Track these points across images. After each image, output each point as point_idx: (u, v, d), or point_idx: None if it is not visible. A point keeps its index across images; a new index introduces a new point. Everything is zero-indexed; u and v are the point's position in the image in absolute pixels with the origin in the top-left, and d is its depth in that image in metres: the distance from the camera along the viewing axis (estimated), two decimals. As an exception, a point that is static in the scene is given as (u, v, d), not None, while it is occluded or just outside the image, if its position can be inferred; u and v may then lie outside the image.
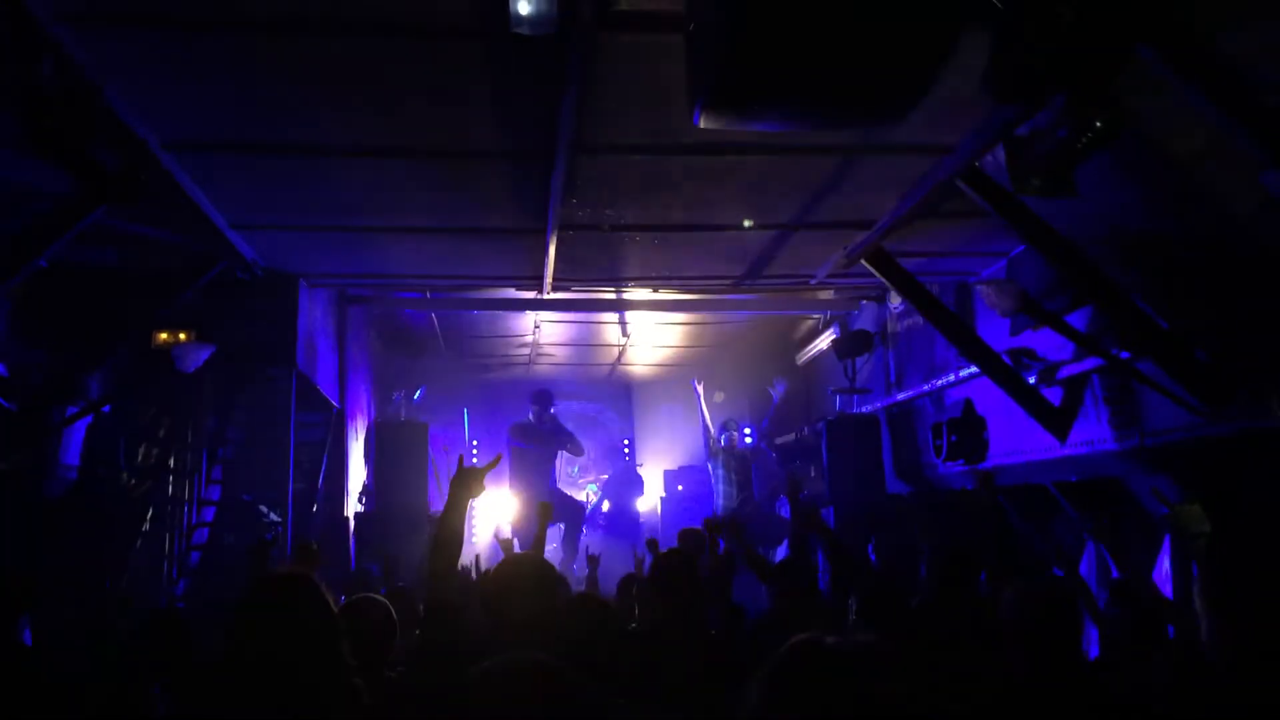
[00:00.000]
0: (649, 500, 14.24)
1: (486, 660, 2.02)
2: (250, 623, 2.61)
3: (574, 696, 1.95)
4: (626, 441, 15.24)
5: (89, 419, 7.03)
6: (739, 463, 11.39)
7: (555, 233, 6.55)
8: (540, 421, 11.42)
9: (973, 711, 3.14)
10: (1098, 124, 3.56)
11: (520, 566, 3.67)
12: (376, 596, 3.97)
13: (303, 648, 2.56)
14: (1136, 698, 3.57)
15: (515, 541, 7.77)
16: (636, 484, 14.65)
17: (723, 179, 5.84)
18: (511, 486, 11.06)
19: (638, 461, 14.86)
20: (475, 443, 13.77)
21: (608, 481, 14.63)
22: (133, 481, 7.04)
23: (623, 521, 13.29)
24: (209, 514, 7.66)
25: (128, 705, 3.72)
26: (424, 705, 3.03)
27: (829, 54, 2.92)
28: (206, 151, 5.35)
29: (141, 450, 7.20)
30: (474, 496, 3.66)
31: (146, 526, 6.93)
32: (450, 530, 3.56)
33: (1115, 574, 6.57)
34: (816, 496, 9.86)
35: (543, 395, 11.57)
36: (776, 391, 11.69)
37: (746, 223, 6.65)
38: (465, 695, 1.93)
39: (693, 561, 4.51)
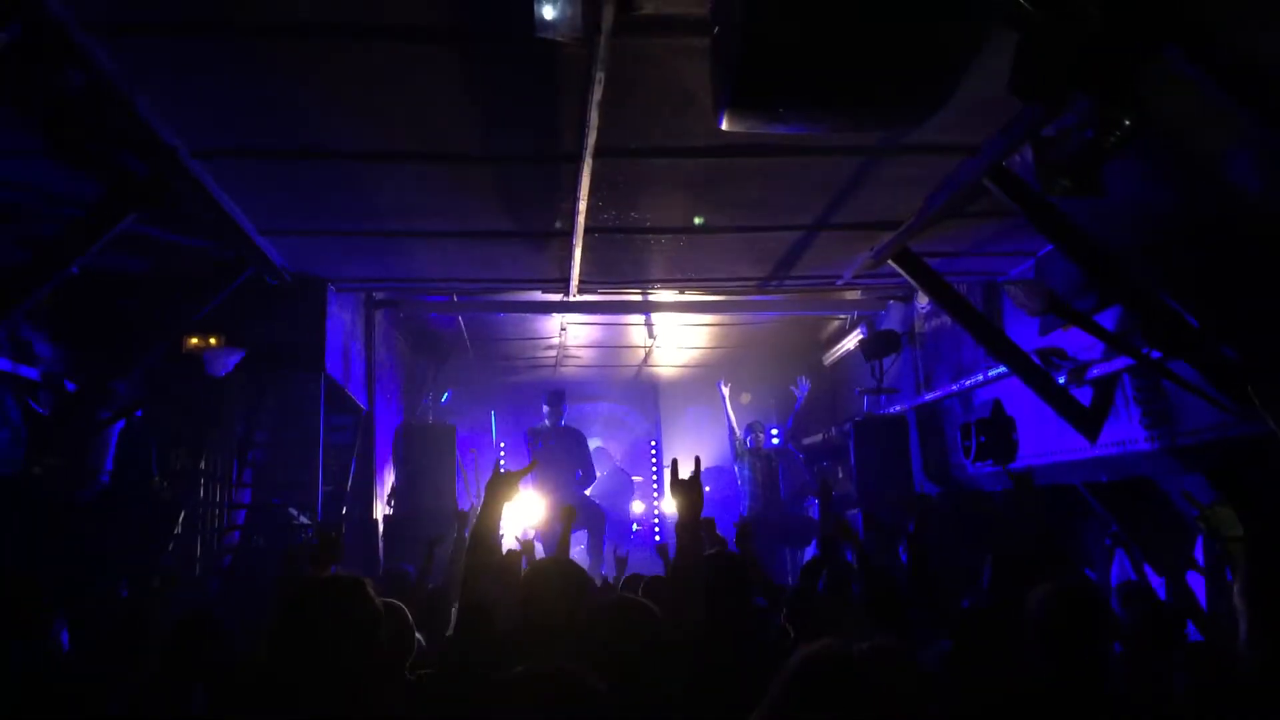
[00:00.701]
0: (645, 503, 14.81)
1: (512, 666, 2.04)
2: (304, 622, 2.61)
3: (595, 705, 1.95)
4: (654, 443, 15.24)
5: (121, 424, 7.11)
6: (765, 464, 11.36)
7: (581, 235, 6.56)
8: (555, 422, 11.44)
9: (988, 712, 3.12)
10: (1126, 123, 3.54)
11: (547, 570, 3.69)
12: (395, 602, 3.98)
13: (348, 652, 2.57)
14: (1156, 700, 3.54)
15: (538, 544, 7.76)
16: (627, 489, 14.95)
17: (747, 181, 5.82)
18: (533, 488, 11.07)
19: (664, 464, 14.89)
20: (503, 445, 13.80)
21: (600, 484, 14.68)
22: (165, 485, 7.11)
23: (616, 525, 13.38)
24: (240, 517, 7.73)
25: (162, 708, 3.76)
26: (447, 710, 3.04)
27: (852, 56, 2.92)
28: (235, 158, 5.38)
29: (173, 455, 7.26)
30: (508, 500, 3.71)
31: (178, 530, 6.99)
32: (485, 532, 3.60)
33: (1133, 578, 6.51)
34: (845, 497, 9.84)
35: (556, 396, 11.60)
36: (801, 390, 11.67)
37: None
38: (488, 701, 1.95)
39: (745, 565, 4.39)
